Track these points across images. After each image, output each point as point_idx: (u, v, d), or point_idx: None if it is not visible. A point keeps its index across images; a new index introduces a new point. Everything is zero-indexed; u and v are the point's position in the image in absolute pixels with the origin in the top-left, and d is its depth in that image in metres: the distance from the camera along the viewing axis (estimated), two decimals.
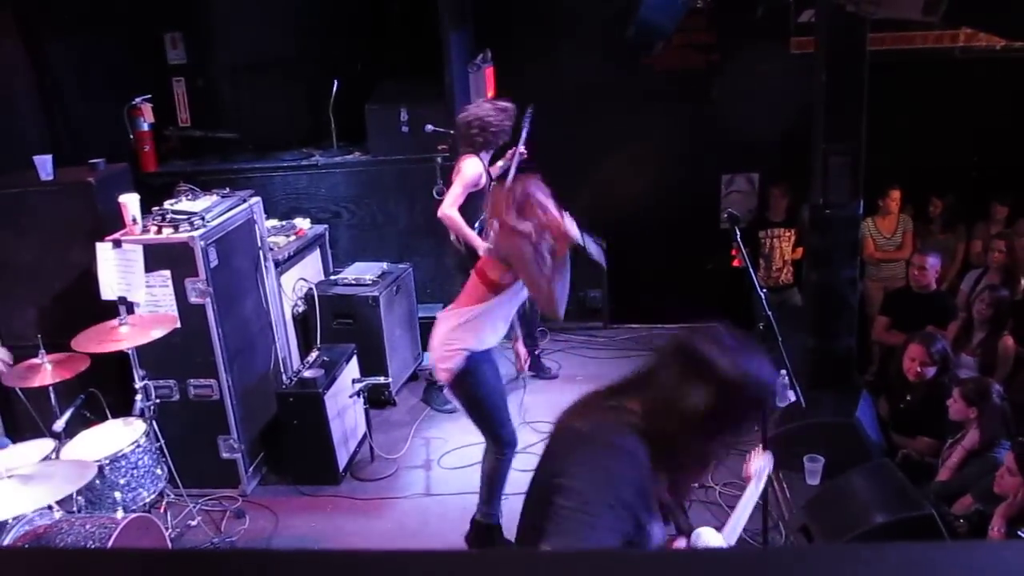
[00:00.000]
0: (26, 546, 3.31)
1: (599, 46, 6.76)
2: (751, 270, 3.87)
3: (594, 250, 4.25)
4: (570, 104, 6.74)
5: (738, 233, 3.83)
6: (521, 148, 5.42)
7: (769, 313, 3.65)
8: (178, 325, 4.40)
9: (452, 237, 5.33)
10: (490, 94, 6.38)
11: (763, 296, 3.69)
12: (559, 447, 1.90)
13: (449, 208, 5.20)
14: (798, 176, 5.71)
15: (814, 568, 0.55)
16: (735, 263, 6.24)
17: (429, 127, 5.75)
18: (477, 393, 4.03)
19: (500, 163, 5.55)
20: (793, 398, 4.26)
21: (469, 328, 3.93)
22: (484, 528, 4.19)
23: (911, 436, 4.80)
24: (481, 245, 5.15)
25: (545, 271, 3.81)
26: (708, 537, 2.22)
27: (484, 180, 5.31)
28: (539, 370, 6.01)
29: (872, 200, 6.08)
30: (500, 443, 4.10)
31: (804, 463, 4.49)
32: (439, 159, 5.84)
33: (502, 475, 4.12)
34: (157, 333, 4.18)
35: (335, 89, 6.33)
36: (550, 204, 3.84)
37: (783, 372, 4.88)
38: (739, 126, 6.73)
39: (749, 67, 6.70)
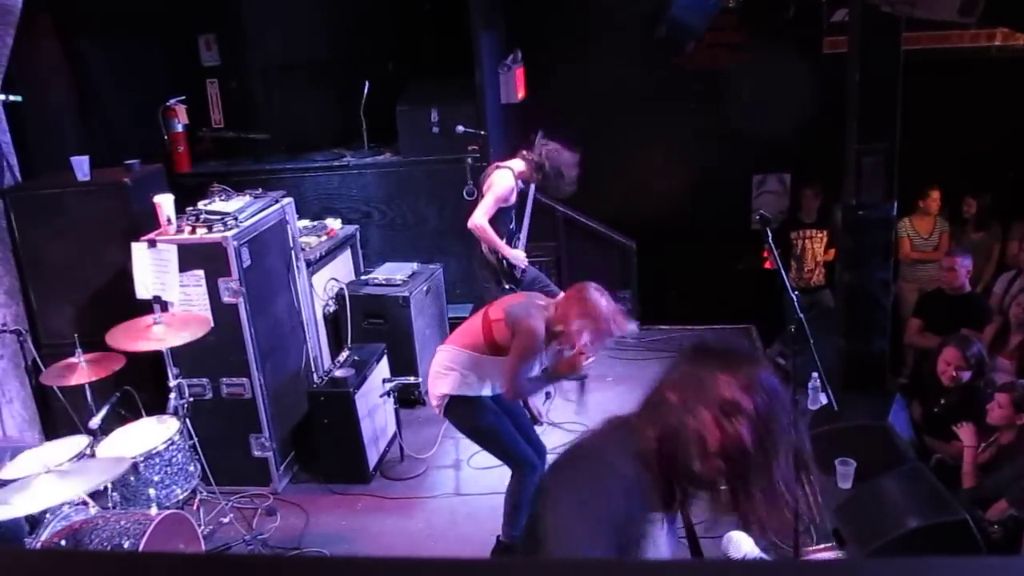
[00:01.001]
0: (62, 542, 3.36)
1: (630, 46, 6.75)
2: (783, 271, 3.84)
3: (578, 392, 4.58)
4: (600, 104, 6.74)
5: (770, 234, 3.81)
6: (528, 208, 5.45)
7: (801, 315, 3.62)
8: (211, 327, 4.44)
9: (483, 248, 5.30)
10: (520, 94, 6.39)
11: (795, 298, 3.66)
12: (563, 461, 1.82)
13: (480, 219, 5.20)
14: (830, 176, 5.66)
15: None
16: (766, 264, 6.20)
17: (460, 128, 5.77)
18: (473, 424, 4.02)
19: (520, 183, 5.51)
20: (825, 400, 4.24)
21: (459, 368, 3.91)
22: (507, 548, 4.13)
23: (945, 440, 4.75)
24: (511, 254, 5.19)
25: (531, 366, 3.77)
26: (740, 541, 2.21)
27: (514, 196, 5.30)
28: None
29: (908, 200, 6.02)
30: (515, 465, 4.04)
31: (836, 466, 4.45)
32: (469, 159, 5.85)
33: (524, 497, 3.97)
34: (190, 335, 4.22)
35: (366, 90, 6.36)
36: (604, 342, 3.72)
37: (815, 375, 4.86)
38: (771, 126, 6.69)
39: (781, 67, 6.66)
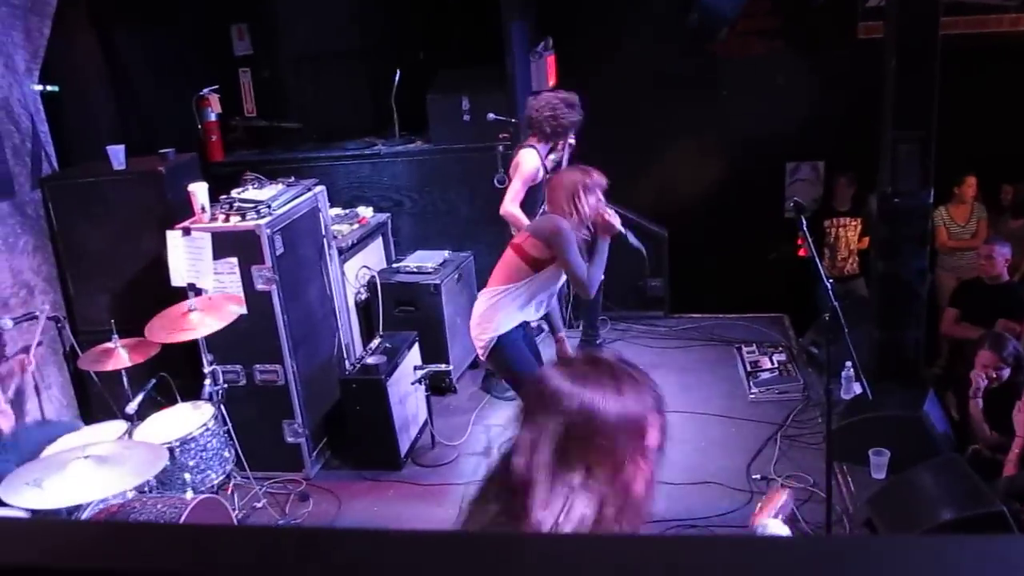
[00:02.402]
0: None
1: (662, 33, 6.72)
2: (817, 260, 3.81)
3: (634, 240, 4.57)
4: (632, 92, 6.70)
5: (804, 222, 3.78)
6: (571, 139, 5.42)
7: (835, 304, 3.59)
8: (245, 308, 4.49)
9: (514, 231, 5.32)
10: (552, 82, 6.37)
11: (829, 286, 3.63)
12: None
13: (510, 205, 5.23)
14: (865, 164, 5.60)
15: (885, 559, 0.55)
16: (800, 252, 6.16)
17: (491, 116, 5.76)
18: (511, 366, 4.31)
19: (552, 156, 5.53)
20: (859, 390, 4.21)
21: (506, 305, 4.20)
22: None
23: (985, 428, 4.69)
24: None
25: (580, 257, 4.13)
26: (774, 529, 2.20)
27: (541, 173, 5.31)
28: None
29: (945, 188, 5.94)
30: None
31: (869, 456, 4.42)
32: (500, 147, 5.85)
33: None
34: (226, 315, 4.25)
35: (397, 78, 6.37)
36: (600, 194, 4.15)
37: (848, 364, 4.82)
38: (804, 113, 6.63)
39: (815, 53, 6.60)
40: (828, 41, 6.56)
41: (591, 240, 4.22)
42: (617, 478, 1.48)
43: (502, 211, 5.27)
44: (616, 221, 4.19)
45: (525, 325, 4.44)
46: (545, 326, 4.92)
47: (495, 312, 4.22)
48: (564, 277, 4.32)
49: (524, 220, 5.21)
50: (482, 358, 4.48)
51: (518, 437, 1.54)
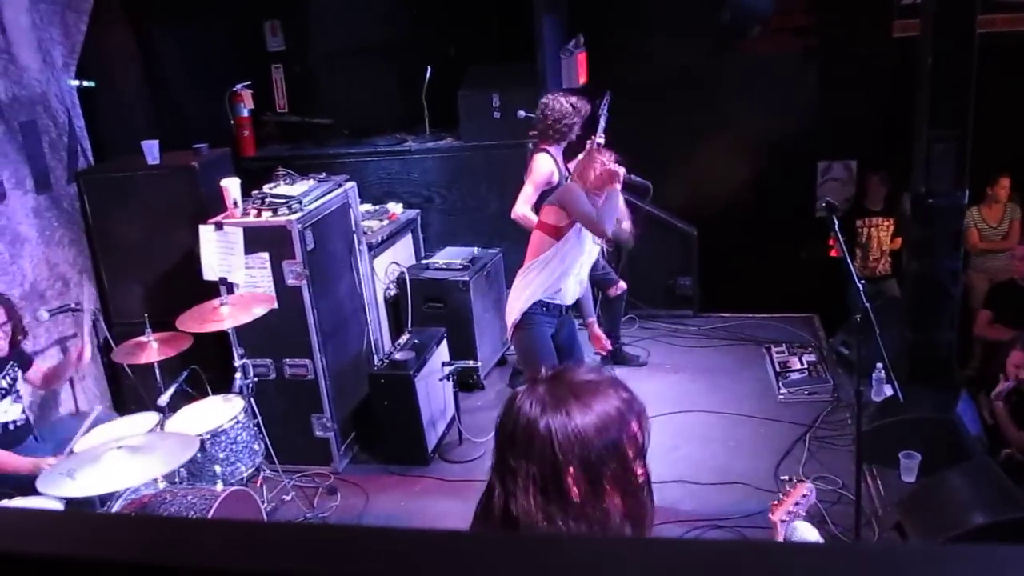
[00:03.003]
0: (133, 514, 3.46)
1: (694, 31, 6.68)
2: (848, 260, 3.78)
3: (637, 178, 4.77)
4: (662, 90, 6.67)
5: (836, 222, 3.75)
6: (599, 138, 5.41)
7: (867, 304, 3.56)
8: (275, 305, 4.52)
9: None
10: (582, 80, 6.36)
11: (861, 287, 3.60)
12: None
13: (521, 207, 5.26)
14: (898, 163, 5.54)
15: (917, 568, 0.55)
16: (832, 253, 6.09)
17: (521, 113, 5.76)
18: (531, 345, 4.49)
19: (580, 156, 5.52)
20: (890, 392, 4.17)
21: (537, 276, 4.42)
22: None
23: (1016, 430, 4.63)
24: None
25: (592, 207, 4.34)
26: (803, 531, 2.19)
27: (557, 177, 5.31)
28: (626, 359, 5.98)
29: (977, 188, 5.86)
30: None
31: (900, 459, 4.37)
32: (530, 144, 5.85)
33: None
34: (256, 312, 4.30)
35: (428, 75, 6.39)
36: (602, 157, 4.50)
37: (879, 365, 4.78)
38: (837, 112, 6.57)
39: (849, 51, 6.53)
40: (862, 38, 6.49)
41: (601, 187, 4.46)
42: (606, 496, 1.47)
43: (513, 214, 5.30)
44: (620, 170, 4.44)
45: (559, 312, 4.57)
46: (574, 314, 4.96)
47: (528, 283, 4.45)
48: (587, 245, 4.52)
49: (535, 220, 5.22)
50: (509, 334, 4.65)
51: (498, 476, 1.56)
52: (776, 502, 2.55)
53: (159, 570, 0.55)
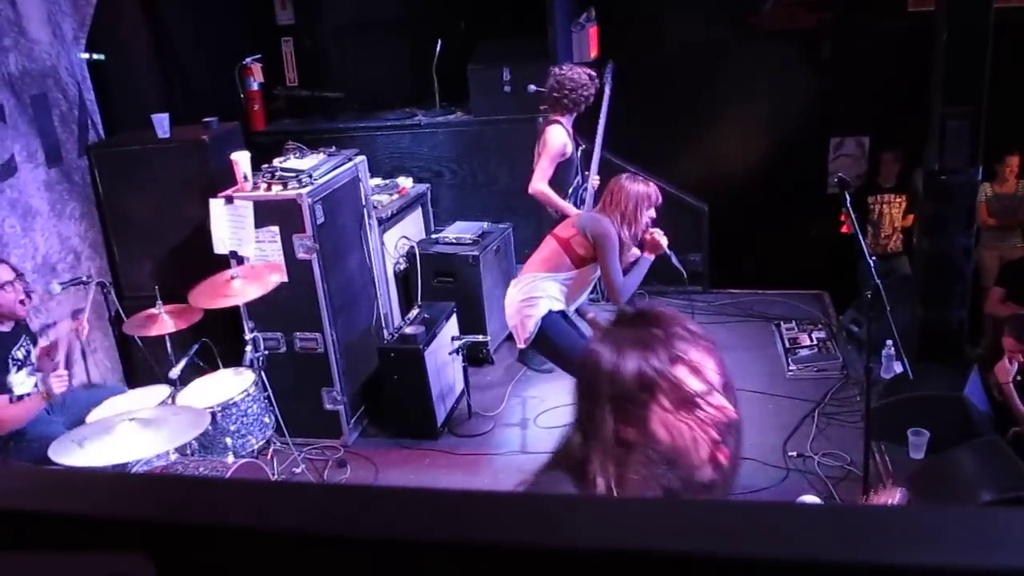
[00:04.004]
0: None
1: (705, 5, 6.63)
2: (860, 237, 3.76)
3: (676, 262, 4.53)
4: (674, 65, 6.63)
5: (848, 198, 3.73)
6: (602, 119, 5.37)
7: (878, 281, 3.55)
8: (285, 278, 4.54)
9: (551, 210, 5.31)
10: (593, 54, 6.32)
11: (872, 264, 3.59)
12: None
13: (539, 183, 5.21)
14: (910, 140, 5.50)
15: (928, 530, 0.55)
16: (843, 229, 6.07)
17: (532, 87, 5.72)
18: (558, 345, 4.33)
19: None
20: (900, 369, 4.16)
21: (543, 294, 4.26)
22: None
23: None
24: (575, 213, 5.18)
25: (622, 263, 4.21)
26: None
27: (570, 148, 5.27)
28: None
29: (989, 165, 5.82)
30: None
31: (908, 436, 4.38)
32: (541, 119, 5.82)
33: None
34: (267, 283, 4.31)
35: (438, 49, 6.36)
36: (654, 212, 4.22)
37: (889, 342, 4.77)
38: (850, 88, 6.52)
39: (863, 26, 6.47)
40: (877, 13, 6.42)
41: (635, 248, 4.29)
42: (660, 434, 1.47)
43: (531, 190, 5.26)
44: (664, 242, 4.27)
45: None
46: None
47: (537, 298, 4.28)
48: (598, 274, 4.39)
49: (555, 197, 5.19)
50: (522, 345, 4.50)
51: (575, 410, 1.57)
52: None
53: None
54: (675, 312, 1.56)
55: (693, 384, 1.47)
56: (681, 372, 1.47)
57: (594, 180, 5.46)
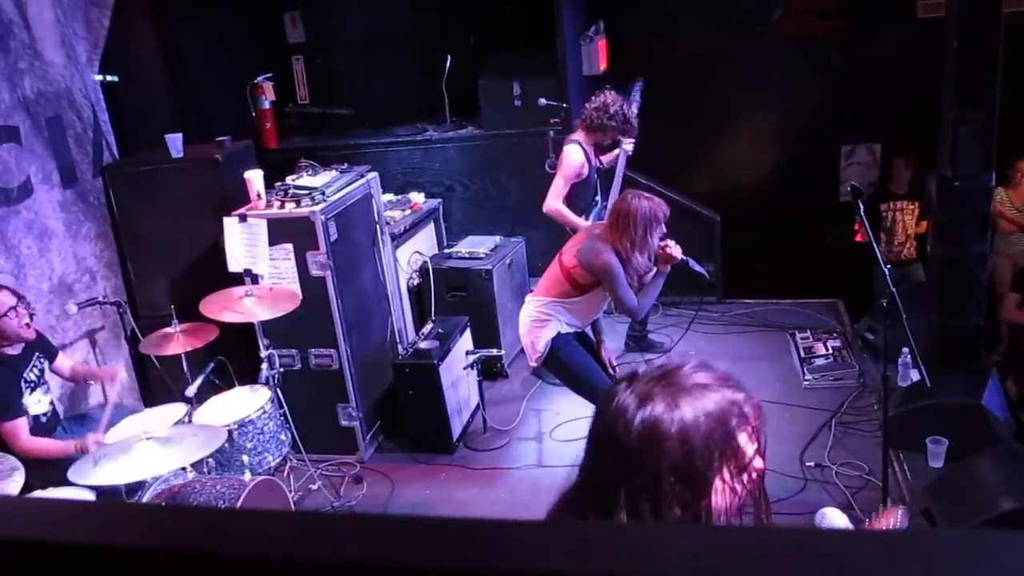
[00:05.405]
0: (162, 504, 3.51)
1: (715, 15, 6.63)
2: (874, 244, 3.75)
3: (695, 265, 4.50)
4: (683, 75, 6.63)
5: (862, 206, 3.72)
6: (627, 144, 5.37)
7: (894, 289, 3.53)
8: (300, 302, 4.54)
9: (569, 229, 5.29)
10: (603, 66, 6.34)
11: (887, 272, 3.57)
12: None
13: (553, 201, 5.22)
14: (923, 146, 5.48)
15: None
16: (857, 237, 6.05)
17: (542, 100, 5.75)
18: (568, 366, 4.35)
19: (607, 159, 5.49)
20: (917, 377, 4.14)
21: (554, 316, 4.27)
22: None
23: None
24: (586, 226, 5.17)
25: (633, 284, 4.15)
26: (833, 518, 2.18)
27: (587, 170, 5.27)
28: (651, 346, 5.99)
29: (1002, 170, 5.79)
30: None
31: (927, 445, 4.35)
32: (551, 132, 5.84)
33: None
34: (280, 310, 4.34)
35: (448, 64, 6.39)
36: (664, 227, 4.13)
37: (905, 350, 4.75)
38: (861, 95, 6.51)
39: (872, 32, 6.46)
40: (886, 20, 6.41)
41: (648, 267, 4.22)
42: (716, 504, 1.37)
43: (545, 208, 5.26)
44: (678, 252, 4.20)
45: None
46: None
47: (547, 320, 4.28)
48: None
49: (569, 215, 5.20)
50: (533, 363, 4.49)
51: (596, 489, 1.42)
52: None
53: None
54: (711, 364, 1.48)
55: (749, 450, 1.38)
56: (743, 438, 1.38)
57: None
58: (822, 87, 6.58)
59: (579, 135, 5.26)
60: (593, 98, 5.22)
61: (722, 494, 1.36)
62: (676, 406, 1.35)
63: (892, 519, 2.38)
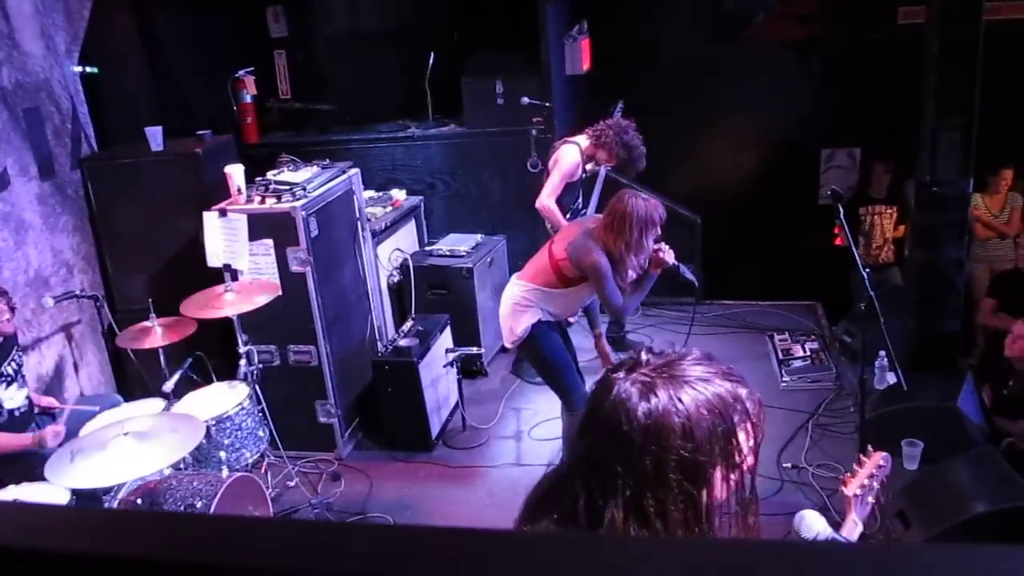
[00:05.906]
0: (138, 501, 3.48)
1: (698, 18, 6.66)
2: (854, 248, 3.78)
3: (687, 273, 4.40)
4: (666, 76, 6.66)
5: (842, 210, 3.75)
6: (607, 166, 5.36)
7: (872, 293, 3.56)
8: (280, 293, 4.52)
9: (547, 225, 5.29)
10: (586, 66, 6.34)
11: (865, 275, 3.60)
12: None
13: (547, 199, 5.20)
14: (902, 151, 5.53)
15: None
16: (837, 241, 6.10)
17: (525, 99, 5.74)
18: (544, 355, 4.33)
19: (590, 166, 5.45)
20: (893, 380, 4.17)
21: (537, 303, 4.23)
22: None
23: (1014, 420, 4.64)
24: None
25: (620, 284, 4.08)
26: (812, 520, 2.19)
27: (579, 172, 5.27)
28: (629, 346, 6.00)
29: (981, 176, 5.85)
30: (571, 402, 4.29)
31: (902, 447, 4.39)
32: (534, 131, 5.84)
33: None
34: (261, 300, 4.30)
35: (431, 61, 6.37)
36: (659, 231, 4.06)
37: (882, 353, 4.79)
38: (841, 99, 6.55)
39: (853, 38, 6.51)
40: (867, 26, 6.46)
41: (640, 269, 4.16)
42: (717, 494, 1.36)
43: (538, 204, 5.25)
44: (670, 257, 4.13)
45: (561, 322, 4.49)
46: (584, 321, 4.90)
47: (529, 306, 4.23)
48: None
49: (558, 216, 5.20)
50: (509, 345, 4.46)
51: (586, 479, 1.39)
52: (848, 474, 2.35)
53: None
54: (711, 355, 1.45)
55: (748, 445, 1.36)
56: (743, 433, 1.35)
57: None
58: (803, 91, 6.63)
59: (582, 140, 5.21)
60: (615, 123, 5.12)
61: (720, 488, 1.35)
62: (680, 399, 1.34)
63: (876, 463, 2.34)
